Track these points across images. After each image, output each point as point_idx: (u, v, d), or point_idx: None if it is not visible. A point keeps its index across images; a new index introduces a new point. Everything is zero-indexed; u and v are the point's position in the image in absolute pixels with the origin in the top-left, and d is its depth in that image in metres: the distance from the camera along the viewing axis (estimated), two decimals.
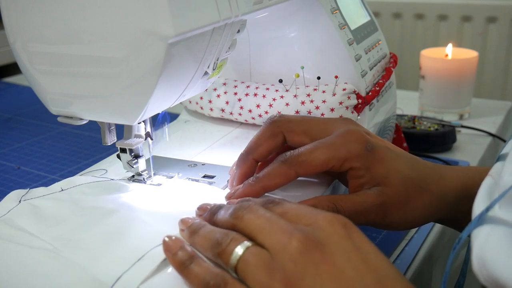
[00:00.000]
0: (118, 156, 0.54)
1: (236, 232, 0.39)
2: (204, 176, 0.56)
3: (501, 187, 0.36)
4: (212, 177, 0.55)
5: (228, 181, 0.53)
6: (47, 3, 0.43)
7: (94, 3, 0.41)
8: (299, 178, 0.52)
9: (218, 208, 0.43)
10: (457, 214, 0.52)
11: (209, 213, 0.43)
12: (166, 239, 0.41)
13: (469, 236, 0.36)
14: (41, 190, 0.51)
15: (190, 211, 0.47)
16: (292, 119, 0.53)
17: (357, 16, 0.72)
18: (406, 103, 1.02)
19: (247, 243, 0.37)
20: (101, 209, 0.47)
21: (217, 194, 0.52)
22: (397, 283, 0.35)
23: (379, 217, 0.49)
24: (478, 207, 0.37)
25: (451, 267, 0.39)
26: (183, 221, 0.43)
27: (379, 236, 0.61)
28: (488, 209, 0.35)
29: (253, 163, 0.52)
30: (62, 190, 0.51)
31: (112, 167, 0.57)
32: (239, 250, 0.37)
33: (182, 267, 0.39)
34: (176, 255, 0.39)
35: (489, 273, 0.32)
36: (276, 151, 0.53)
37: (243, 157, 0.52)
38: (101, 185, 0.52)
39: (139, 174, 0.54)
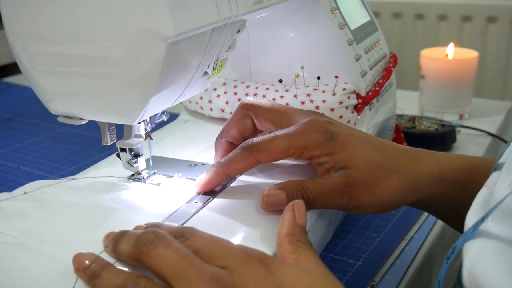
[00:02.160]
0: (118, 155, 0.54)
1: (145, 277, 0.37)
2: None
3: (495, 200, 0.36)
4: None
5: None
6: (47, 3, 0.43)
7: (94, 3, 0.41)
8: (287, 171, 0.55)
9: (121, 235, 0.40)
10: (431, 198, 0.53)
11: (111, 243, 0.40)
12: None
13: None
14: (3, 195, 0.51)
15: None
16: (262, 104, 0.55)
17: (357, 16, 0.72)
18: (406, 103, 1.02)
19: None
20: (63, 202, 0.48)
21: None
22: None
23: (346, 199, 0.49)
24: (471, 218, 0.37)
25: (446, 275, 0.39)
26: (77, 259, 0.39)
27: (379, 236, 0.61)
28: (483, 219, 0.35)
29: (228, 145, 0.55)
30: (25, 193, 0.51)
31: (112, 167, 0.57)
32: None
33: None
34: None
35: (478, 287, 0.32)
36: (249, 133, 0.56)
37: (218, 141, 0.56)
38: (63, 184, 0.53)
39: (139, 173, 0.54)
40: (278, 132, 0.51)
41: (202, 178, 0.52)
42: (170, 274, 0.35)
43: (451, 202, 0.53)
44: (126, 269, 0.39)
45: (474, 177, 0.53)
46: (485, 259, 0.32)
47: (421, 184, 0.52)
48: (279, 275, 0.35)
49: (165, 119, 0.55)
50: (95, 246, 0.41)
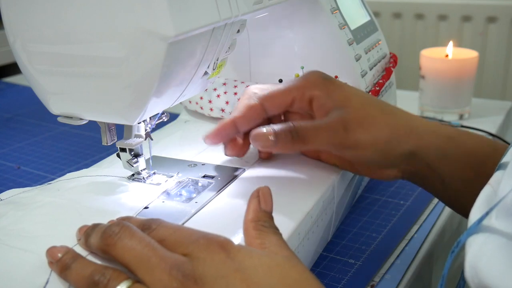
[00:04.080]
0: (118, 155, 0.54)
1: (112, 267, 0.38)
2: (204, 176, 0.56)
3: (499, 197, 0.36)
4: (212, 177, 0.55)
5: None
6: (47, 3, 0.43)
7: (94, 3, 0.41)
8: (301, 176, 0.54)
9: (92, 229, 0.41)
10: (428, 150, 0.53)
11: (84, 237, 0.41)
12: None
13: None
14: None
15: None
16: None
17: (357, 16, 0.72)
18: (406, 103, 1.01)
19: (127, 283, 0.36)
20: (38, 202, 0.49)
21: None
22: None
23: (341, 133, 0.51)
24: (474, 214, 0.37)
25: (450, 271, 0.39)
26: (50, 252, 0.40)
27: (379, 236, 0.61)
28: (487, 213, 0.35)
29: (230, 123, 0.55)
30: (1, 200, 0.51)
31: (112, 167, 0.57)
32: None
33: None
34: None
35: (480, 281, 0.32)
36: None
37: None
38: (37, 188, 0.53)
39: (139, 173, 0.54)
40: (282, 85, 0.55)
41: (211, 130, 0.54)
42: (134, 263, 0.37)
43: (446, 160, 0.53)
44: (99, 262, 0.39)
45: (468, 134, 0.55)
46: (487, 253, 0.33)
47: (416, 130, 0.53)
48: (239, 259, 0.36)
49: (165, 119, 0.55)
50: (70, 240, 0.42)
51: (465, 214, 0.55)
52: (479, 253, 0.33)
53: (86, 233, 0.41)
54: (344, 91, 0.53)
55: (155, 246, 0.37)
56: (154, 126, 0.54)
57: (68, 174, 0.56)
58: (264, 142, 0.51)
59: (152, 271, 0.36)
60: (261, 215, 0.41)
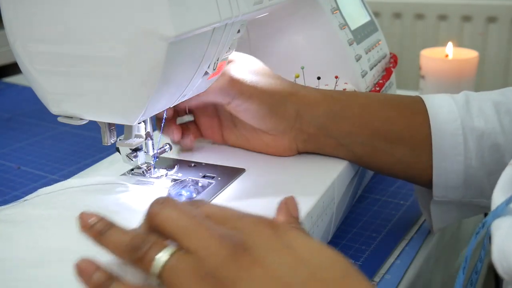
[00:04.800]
0: (117, 150, 0.54)
1: (154, 233, 0.36)
2: (204, 176, 0.56)
3: None
4: (212, 177, 0.55)
5: None
6: (47, 3, 0.43)
7: (94, 3, 0.41)
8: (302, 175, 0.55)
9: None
10: (310, 108, 0.57)
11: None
12: (79, 262, 0.36)
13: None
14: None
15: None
16: None
17: (357, 16, 0.72)
18: None
19: (170, 249, 0.35)
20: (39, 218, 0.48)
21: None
22: (330, 272, 0.34)
23: (228, 83, 0.55)
24: (497, 197, 0.37)
25: (465, 260, 0.39)
26: (82, 218, 0.37)
27: (379, 236, 0.61)
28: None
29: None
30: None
31: (112, 167, 0.57)
32: (162, 256, 0.35)
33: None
34: (92, 278, 0.36)
35: (509, 265, 0.32)
36: None
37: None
38: (17, 204, 0.52)
39: (139, 167, 0.54)
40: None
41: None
42: (178, 232, 0.35)
43: (336, 121, 0.56)
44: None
45: (358, 95, 0.58)
46: None
47: (304, 93, 0.57)
48: (288, 238, 0.35)
49: (168, 151, 0.57)
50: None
51: (388, 172, 0.60)
52: (507, 237, 0.33)
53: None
54: (238, 59, 0.57)
55: (201, 217, 0.36)
56: (158, 156, 0.55)
57: (39, 190, 0.54)
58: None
59: (199, 238, 0.35)
60: (292, 219, 0.40)
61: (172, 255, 0.34)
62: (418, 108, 0.55)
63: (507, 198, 0.35)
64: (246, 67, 0.57)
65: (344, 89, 0.64)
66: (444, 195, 0.55)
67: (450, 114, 0.54)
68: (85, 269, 0.36)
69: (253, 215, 0.37)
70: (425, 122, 0.54)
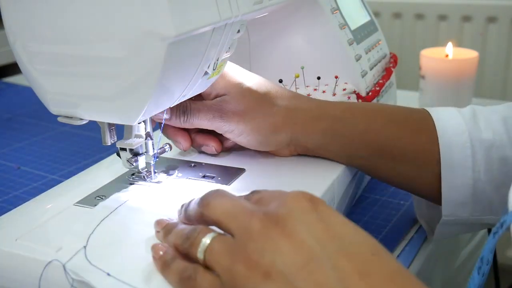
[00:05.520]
0: (118, 154, 0.54)
1: (205, 223, 0.40)
2: (204, 176, 0.56)
3: None
4: (212, 177, 0.55)
5: None
6: (47, 3, 0.43)
7: (94, 3, 0.41)
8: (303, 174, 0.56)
9: (190, 201, 0.43)
10: (308, 136, 0.56)
11: (183, 210, 0.43)
12: (158, 250, 0.41)
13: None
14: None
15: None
16: None
17: (357, 16, 0.72)
18: (406, 103, 1.01)
19: (213, 233, 0.38)
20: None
21: None
22: (361, 248, 0.34)
23: (218, 120, 0.55)
24: None
25: (473, 253, 0.38)
26: (158, 222, 0.43)
27: (379, 236, 0.61)
28: None
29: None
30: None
31: (112, 167, 0.57)
32: (206, 240, 0.37)
33: (164, 267, 0.39)
34: (161, 257, 0.40)
35: None
36: None
37: None
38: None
39: (139, 172, 0.54)
40: None
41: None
42: (223, 217, 0.38)
43: (335, 139, 0.56)
44: None
45: (353, 112, 0.56)
46: None
47: (296, 118, 0.56)
48: (326, 214, 0.36)
49: (168, 151, 0.56)
50: None
51: (394, 186, 0.59)
52: None
53: (185, 205, 0.43)
54: (225, 80, 0.56)
55: (242, 200, 0.39)
56: (158, 156, 0.55)
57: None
58: (159, 115, 0.55)
59: (236, 217, 0.37)
60: None
61: (213, 238, 0.37)
62: (424, 124, 0.55)
63: None
64: (235, 102, 0.56)
65: (344, 89, 0.64)
66: (453, 212, 0.54)
67: (458, 126, 0.53)
68: (157, 249, 0.41)
69: (296, 191, 0.38)
70: (431, 138, 0.53)
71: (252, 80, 0.57)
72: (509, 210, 0.36)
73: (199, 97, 0.57)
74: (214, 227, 0.39)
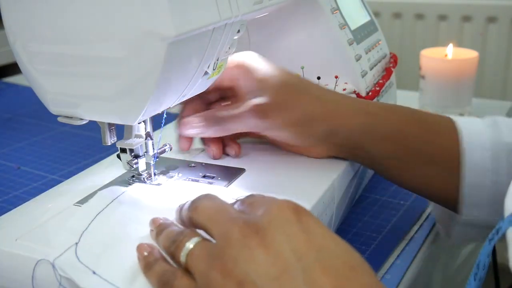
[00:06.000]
0: (118, 156, 0.54)
1: (194, 227, 0.40)
2: (204, 176, 0.56)
3: None
4: (212, 177, 0.55)
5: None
6: (47, 3, 0.43)
7: (94, 3, 0.41)
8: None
9: (185, 203, 0.43)
10: (351, 131, 0.55)
11: (178, 210, 0.44)
12: (143, 251, 0.41)
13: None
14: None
15: None
16: None
17: (357, 16, 0.72)
18: (406, 103, 1.01)
19: (197, 238, 0.38)
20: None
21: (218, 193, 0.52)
22: (339, 261, 0.33)
23: (256, 120, 0.54)
24: (511, 203, 0.37)
25: (468, 260, 0.39)
26: (153, 221, 0.44)
27: (379, 236, 0.61)
28: None
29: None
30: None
31: (112, 167, 0.57)
32: (189, 245, 0.37)
33: (146, 268, 0.40)
34: (145, 257, 0.40)
35: None
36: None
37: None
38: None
39: (139, 174, 0.54)
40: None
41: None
42: (207, 221, 0.38)
43: (369, 137, 0.55)
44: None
45: (394, 110, 0.56)
46: None
47: (336, 110, 0.55)
48: (309, 224, 0.36)
49: (168, 151, 0.56)
50: None
51: (412, 189, 0.58)
52: None
53: (179, 207, 0.43)
54: (260, 74, 0.55)
55: (228, 206, 0.39)
56: (158, 156, 0.55)
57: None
58: (193, 130, 0.57)
59: (220, 223, 0.37)
60: None
61: (196, 243, 0.37)
62: (450, 127, 0.54)
63: None
64: (272, 96, 0.55)
65: (344, 89, 0.63)
66: (471, 213, 0.53)
67: (481, 130, 0.53)
68: (142, 248, 0.41)
69: (282, 200, 0.37)
70: (457, 142, 0.53)
71: (282, 71, 0.57)
72: (505, 216, 0.36)
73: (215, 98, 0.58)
74: (202, 231, 0.39)
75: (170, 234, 0.40)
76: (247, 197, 0.41)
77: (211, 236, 0.38)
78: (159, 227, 0.42)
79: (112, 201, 0.49)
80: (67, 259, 0.41)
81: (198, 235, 0.39)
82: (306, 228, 0.35)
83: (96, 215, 0.46)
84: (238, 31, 0.51)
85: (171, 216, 0.45)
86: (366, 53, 0.68)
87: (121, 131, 0.52)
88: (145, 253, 0.40)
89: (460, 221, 0.54)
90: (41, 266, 0.41)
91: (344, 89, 0.63)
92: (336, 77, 0.63)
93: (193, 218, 0.40)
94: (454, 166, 0.53)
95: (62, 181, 0.56)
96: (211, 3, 0.44)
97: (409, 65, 1.74)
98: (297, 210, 0.37)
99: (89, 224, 0.45)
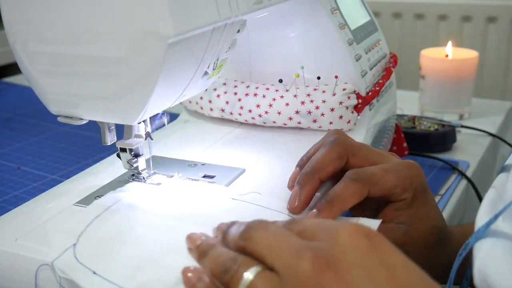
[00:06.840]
0: (118, 155, 0.54)
1: (246, 255, 0.37)
2: (204, 176, 0.56)
3: (505, 200, 0.35)
4: (212, 177, 0.55)
5: (290, 199, 0.50)
6: (47, 3, 0.43)
7: (94, 3, 0.41)
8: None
9: (229, 226, 0.40)
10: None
11: (220, 233, 0.41)
12: (188, 273, 0.38)
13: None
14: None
15: (190, 212, 0.47)
16: (354, 143, 0.51)
17: (357, 16, 0.72)
18: (406, 103, 1.02)
19: (256, 268, 0.35)
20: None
21: (218, 192, 0.52)
22: None
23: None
24: (481, 219, 0.36)
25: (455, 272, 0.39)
26: (190, 239, 0.41)
27: None
28: (496, 217, 0.35)
29: (318, 183, 0.50)
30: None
31: (112, 167, 0.57)
32: (248, 276, 0.34)
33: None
34: (197, 248, 0.39)
35: (489, 286, 0.32)
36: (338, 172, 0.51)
37: (309, 177, 0.49)
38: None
39: (139, 173, 0.54)
40: (385, 167, 0.49)
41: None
42: (265, 252, 0.35)
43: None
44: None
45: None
46: (495, 258, 0.32)
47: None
48: (385, 252, 0.32)
49: (166, 122, 0.55)
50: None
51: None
52: (487, 259, 0.32)
53: (223, 231, 0.40)
54: (423, 212, 0.50)
55: (288, 233, 0.35)
56: (154, 128, 0.54)
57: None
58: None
59: (282, 255, 0.34)
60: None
61: (257, 274, 0.34)
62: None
63: (487, 220, 0.35)
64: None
65: (344, 89, 0.64)
66: None
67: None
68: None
69: (349, 224, 0.34)
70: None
71: (438, 213, 0.52)
72: (474, 232, 0.36)
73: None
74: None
75: (219, 259, 0.37)
76: (292, 223, 0.38)
77: (272, 268, 0.34)
78: (200, 248, 0.40)
79: (109, 207, 0.49)
80: (66, 260, 0.41)
81: (256, 263, 0.35)
82: (384, 259, 0.32)
83: (95, 218, 0.47)
84: (238, 31, 0.51)
85: (171, 216, 0.45)
86: (366, 53, 0.68)
87: (121, 131, 0.52)
88: (191, 276, 0.38)
89: None
90: (42, 268, 0.42)
91: (344, 89, 0.63)
92: (336, 77, 0.63)
93: (247, 248, 0.36)
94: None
95: (62, 181, 0.56)
96: (211, 3, 0.44)
97: (409, 65, 1.74)
98: (369, 236, 0.33)
99: (88, 225, 0.45)
